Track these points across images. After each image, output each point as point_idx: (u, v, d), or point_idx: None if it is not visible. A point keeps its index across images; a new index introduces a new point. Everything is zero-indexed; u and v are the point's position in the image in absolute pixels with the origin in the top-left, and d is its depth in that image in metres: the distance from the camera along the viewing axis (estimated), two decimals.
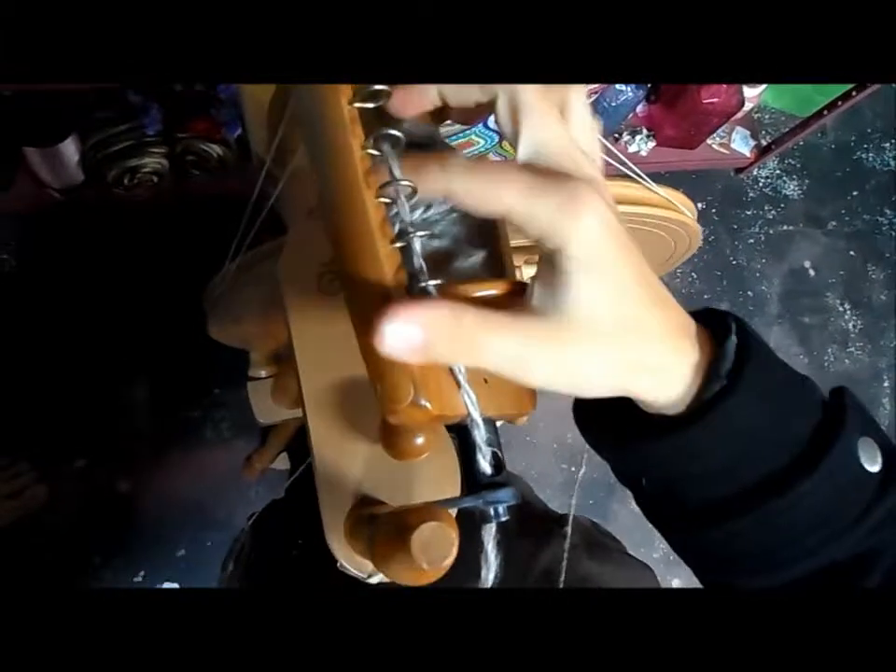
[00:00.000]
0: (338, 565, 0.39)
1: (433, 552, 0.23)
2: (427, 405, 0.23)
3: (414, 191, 0.24)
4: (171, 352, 1.28)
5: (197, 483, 1.27)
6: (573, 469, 1.48)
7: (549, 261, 0.24)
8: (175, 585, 1.22)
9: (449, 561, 0.23)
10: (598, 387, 0.26)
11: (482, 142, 1.35)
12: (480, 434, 0.25)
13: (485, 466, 0.25)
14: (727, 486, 0.28)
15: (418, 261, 0.24)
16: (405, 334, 0.22)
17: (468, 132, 1.28)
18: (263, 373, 0.91)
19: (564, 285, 0.24)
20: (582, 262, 0.23)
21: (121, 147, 1.12)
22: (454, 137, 1.25)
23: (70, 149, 1.09)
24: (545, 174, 0.24)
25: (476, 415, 0.24)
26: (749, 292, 1.75)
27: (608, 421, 0.31)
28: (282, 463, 1.20)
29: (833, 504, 0.28)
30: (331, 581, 0.39)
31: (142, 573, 1.22)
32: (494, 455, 0.26)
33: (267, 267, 0.58)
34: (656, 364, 0.27)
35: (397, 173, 0.24)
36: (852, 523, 0.28)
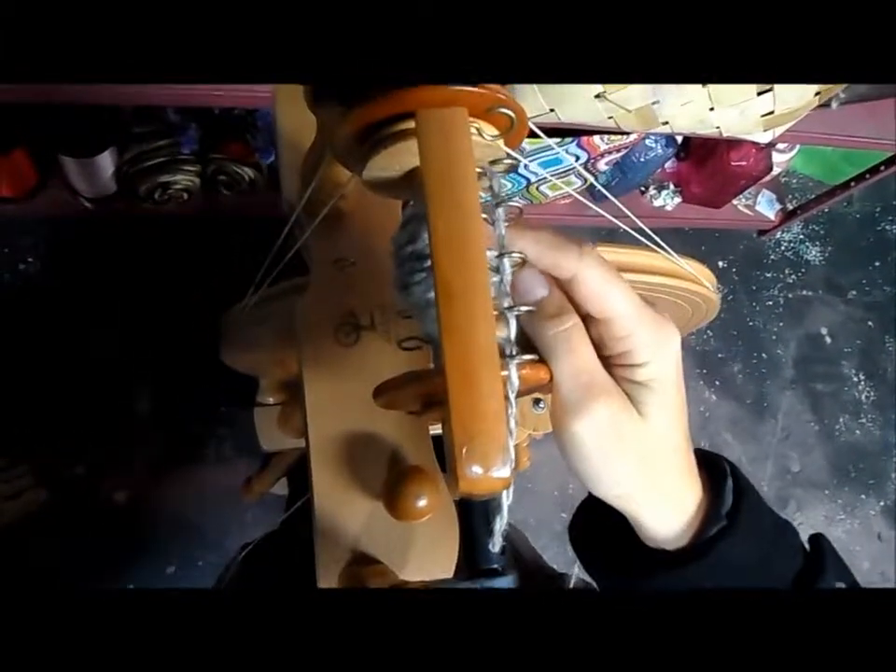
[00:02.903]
0: None
1: None
2: (507, 475, 0.23)
3: (523, 262, 0.25)
4: (180, 367, 1.29)
5: (194, 501, 1.27)
6: None
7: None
8: None
9: None
10: (614, 483, 0.28)
11: (510, 185, 1.36)
12: (500, 522, 0.25)
13: (494, 552, 0.25)
14: None
15: (510, 334, 0.25)
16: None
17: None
18: (271, 400, 0.92)
19: (646, 387, 0.27)
20: (666, 379, 0.27)
21: (156, 162, 1.14)
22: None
23: (106, 161, 1.11)
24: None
25: (506, 504, 0.24)
26: (764, 354, 1.74)
27: (604, 545, 0.32)
28: (281, 488, 1.19)
29: None
30: None
31: (130, 587, 1.21)
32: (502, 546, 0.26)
33: (285, 305, 0.58)
34: (671, 492, 0.29)
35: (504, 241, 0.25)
36: None
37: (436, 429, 0.43)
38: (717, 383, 1.67)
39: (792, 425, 1.70)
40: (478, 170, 0.26)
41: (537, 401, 0.91)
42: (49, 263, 1.30)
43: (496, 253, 0.25)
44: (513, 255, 0.25)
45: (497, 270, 0.25)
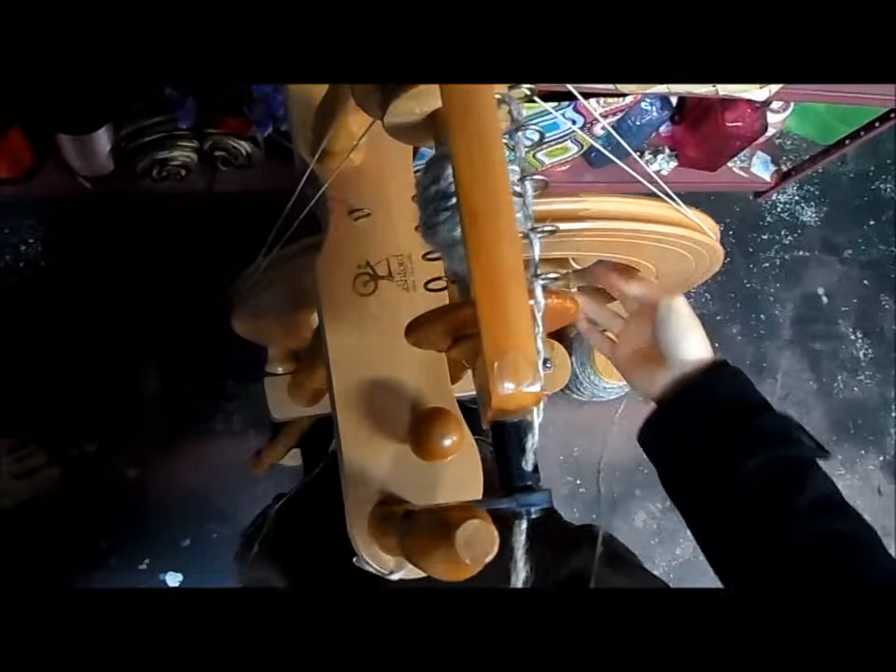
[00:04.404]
0: (353, 560, 0.40)
1: (476, 548, 0.24)
2: (537, 390, 0.24)
3: (545, 185, 0.26)
4: (188, 342, 1.30)
5: (205, 475, 1.28)
6: (578, 481, 1.48)
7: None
8: (179, 576, 1.23)
9: (490, 557, 0.24)
10: (694, 345, 0.51)
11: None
12: (532, 440, 0.26)
13: (527, 470, 0.26)
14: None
15: (535, 254, 0.26)
16: None
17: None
18: (280, 370, 0.92)
19: None
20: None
21: (153, 138, 1.14)
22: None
23: (103, 139, 1.11)
24: None
25: (536, 422, 0.25)
26: (762, 316, 1.75)
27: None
28: (291, 460, 1.20)
29: None
30: (357, 574, 0.40)
31: (147, 561, 1.23)
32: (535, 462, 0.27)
33: (295, 265, 0.59)
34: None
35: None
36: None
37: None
38: (716, 345, 1.69)
39: (792, 383, 1.72)
40: (497, 96, 0.26)
41: (544, 361, 0.92)
42: (50, 244, 1.29)
43: (518, 176, 0.26)
44: (535, 177, 0.26)
45: (520, 193, 0.26)
